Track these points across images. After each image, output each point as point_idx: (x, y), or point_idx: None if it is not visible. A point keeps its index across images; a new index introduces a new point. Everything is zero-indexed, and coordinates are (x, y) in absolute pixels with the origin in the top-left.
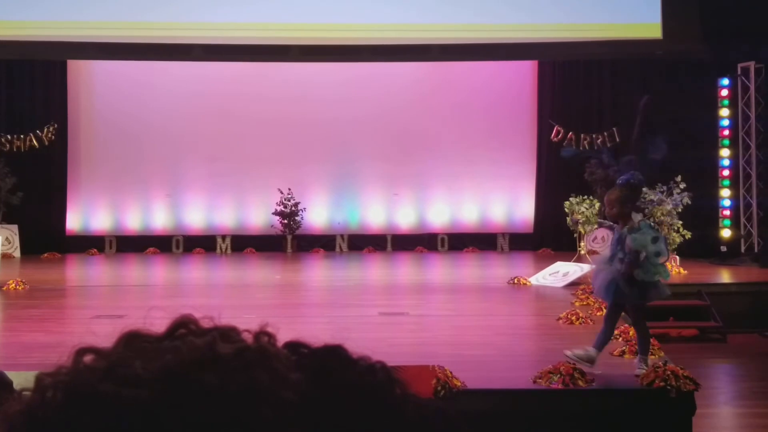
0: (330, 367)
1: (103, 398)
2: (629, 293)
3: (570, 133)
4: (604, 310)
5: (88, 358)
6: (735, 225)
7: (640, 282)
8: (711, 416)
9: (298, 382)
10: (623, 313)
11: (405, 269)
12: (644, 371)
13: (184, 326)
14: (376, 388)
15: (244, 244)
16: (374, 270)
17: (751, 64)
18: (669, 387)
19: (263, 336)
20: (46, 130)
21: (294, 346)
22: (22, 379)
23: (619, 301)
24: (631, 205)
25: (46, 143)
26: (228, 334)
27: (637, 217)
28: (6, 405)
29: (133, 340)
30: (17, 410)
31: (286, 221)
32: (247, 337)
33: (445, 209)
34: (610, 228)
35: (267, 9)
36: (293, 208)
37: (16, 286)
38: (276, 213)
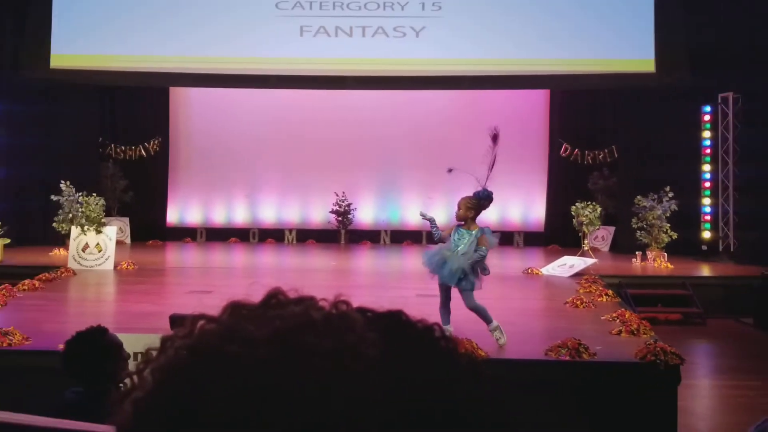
0: (394, 326)
1: (231, 357)
2: (468, 280)
3: (576, 149)
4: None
5: (203, 324)
6: (714, 228)
7: (478, 272)
8: (693, 387)
9: (375, 340)
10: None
11: None
12: (505, 338)
13: (275, 297)
14: (436, 344)
15: (306, 236)
16: (411, 259)
17: (730, 95)
18: (658, 361)
19: (342, 304)
20: (152, 142)
21: (361, 311)
22: (132, 340)
23: (455, 285)
24: (475, 212)
25: (152, 153)
26: (312, 303)
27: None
28: (145, 363)
29: (236, 309)
30: (158, 366)
31: (340, 218)
32: (324, 305)
33: None
34: (431, 222)
35: (328, 46)
36: (346, 208)
37: (127, 266)
38: (332, 212)
